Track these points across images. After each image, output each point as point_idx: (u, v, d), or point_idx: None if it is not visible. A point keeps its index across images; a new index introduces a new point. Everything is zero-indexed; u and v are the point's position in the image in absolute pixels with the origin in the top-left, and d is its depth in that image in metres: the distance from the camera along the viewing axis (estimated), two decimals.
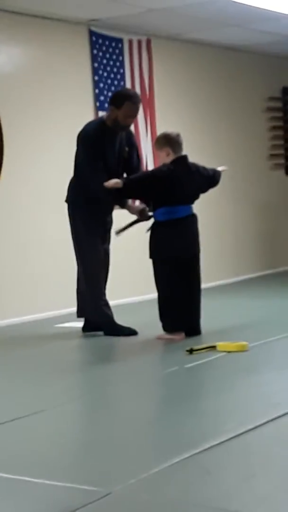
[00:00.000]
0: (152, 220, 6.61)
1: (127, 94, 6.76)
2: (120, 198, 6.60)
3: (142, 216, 6.70)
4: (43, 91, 8.01)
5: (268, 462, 3.68)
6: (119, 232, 6.75)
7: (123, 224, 6.77)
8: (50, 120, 8.04)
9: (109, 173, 6.57)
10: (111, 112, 6.68)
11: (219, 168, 6.85)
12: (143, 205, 6.72)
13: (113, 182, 6.42)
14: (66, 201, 6.86)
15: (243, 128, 10.43)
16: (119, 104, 6.59)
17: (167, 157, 6.50)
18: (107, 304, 6.83)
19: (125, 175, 6.77)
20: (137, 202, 6.92)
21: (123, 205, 6.69)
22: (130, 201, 6.74)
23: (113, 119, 6.65)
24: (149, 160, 8.88)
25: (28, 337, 7.07)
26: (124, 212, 6.79)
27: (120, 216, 6.86)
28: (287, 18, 8.66)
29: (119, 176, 6.64)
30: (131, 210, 6.73)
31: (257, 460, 3.71)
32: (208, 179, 6.71)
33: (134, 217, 6.75)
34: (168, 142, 6.51)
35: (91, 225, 6.75)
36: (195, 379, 5.38)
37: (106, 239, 6.91)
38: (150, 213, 6.64)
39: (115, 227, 6.92)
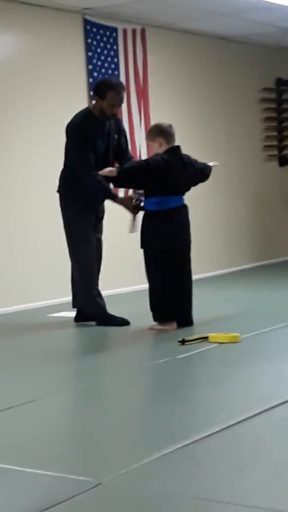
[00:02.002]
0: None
1: (110, 84, 6.67)
2: (111, 191, 6.54)
3: (135, 212, 6.66)
4: (36, 80, 7.98)
5: (260, 453, 3.68)
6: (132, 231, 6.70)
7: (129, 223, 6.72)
8: (44, 109, 8.01)
9: (100, 162, 6.55)
10: (96, 103, 6.67)
11: (210, 163, 6.84)
12: (135, 201, 6.65)
13: (108, 170, 6.42)
14: (58, 191, 6.83)
15: (236, 119, 10.41)
16: (102, 94, 6.57)
17: (159, 148, 6.48)
18: (99, 294, 6.82)
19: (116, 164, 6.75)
20: (130, 191, 6.89)
21: (114, 198, 6.64)
22: (123, 193, 6.70)
23: (99, 109, 6.63)
24: (142, 150, 8.85)
25: (20, 326, 7.06)
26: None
27: (112, 205, 6.84)
28: (281, 9, 8.64)
29: (110, 164, 6.61)
30: (126, 203, 6.67)
31: (249, 451, 3.71)
32: (199, 172, 6.71)
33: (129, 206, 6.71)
34: (160, 132, 6.49)
35: (83, 215, 6.73)
36: (187, 370, 5.38)
37: (98, 229, 6.89)
38: (142, 204, 6.60)
39: (107, 216, 6.93)
